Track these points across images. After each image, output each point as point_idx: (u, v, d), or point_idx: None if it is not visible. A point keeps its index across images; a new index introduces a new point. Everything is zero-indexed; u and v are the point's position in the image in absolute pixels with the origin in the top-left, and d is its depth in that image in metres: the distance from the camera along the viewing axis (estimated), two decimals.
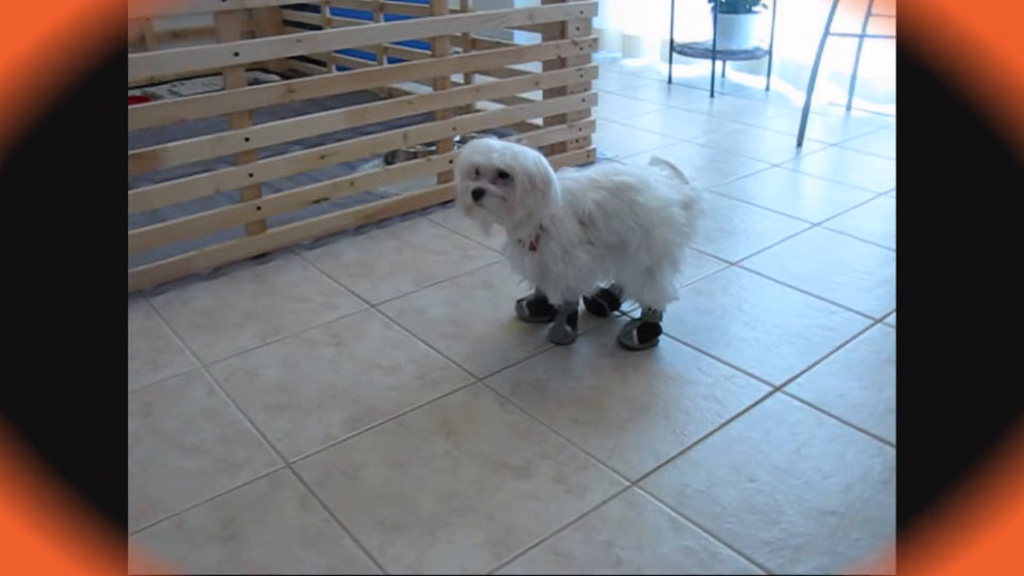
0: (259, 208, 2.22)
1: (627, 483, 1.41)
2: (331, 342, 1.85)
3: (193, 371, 1.76)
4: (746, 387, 1.67)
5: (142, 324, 1.94)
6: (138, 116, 1.95)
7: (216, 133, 2.09)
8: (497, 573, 1.24)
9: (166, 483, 1.43)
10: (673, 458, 1.47)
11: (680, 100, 3.87)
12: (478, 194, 1.63)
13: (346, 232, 2.42)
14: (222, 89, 2.09)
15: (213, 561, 1.27)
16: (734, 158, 3.02)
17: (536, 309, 1.93)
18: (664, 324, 1.85)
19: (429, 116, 2.54)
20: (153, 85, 4.04)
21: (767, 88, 4.05)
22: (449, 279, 2.13)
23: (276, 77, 4.01)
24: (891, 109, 3.60)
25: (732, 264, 2.19)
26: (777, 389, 1.66)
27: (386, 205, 2.48)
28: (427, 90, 2.52)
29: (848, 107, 3.64)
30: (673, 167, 1.83)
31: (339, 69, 3.95)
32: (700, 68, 4.42)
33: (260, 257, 2.27)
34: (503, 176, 1.63)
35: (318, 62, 4.16)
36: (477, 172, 1.66)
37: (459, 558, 1.27)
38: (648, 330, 1.82)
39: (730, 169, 2.90)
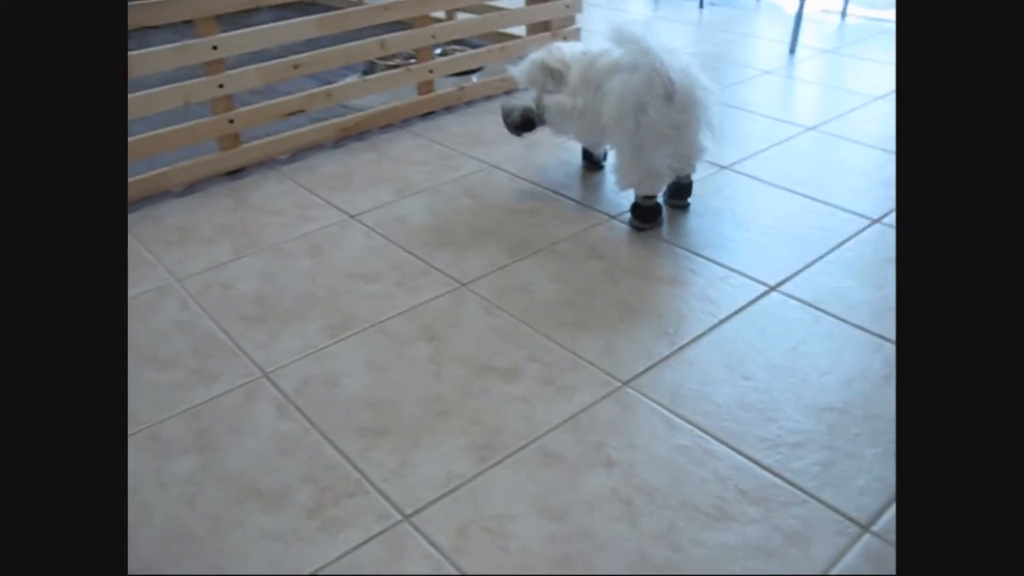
0: (231, 121, 2.13)
1: (618, 383, 1.36)
2: (309, 253, 1.78)
3: (166, 286, 1.69)
4: (740, 287, 1.61)
5: None
6: None
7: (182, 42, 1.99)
8: (484, 475, 1.19)
9: (139, 396, 1.38)
10: (666, 358, 1.42)
11: (668, 11, 3.74)
12: None
13: (324, 146, 2.33)
14: None
15: (188, 471, 1.22)
16: (725, 66, 2.92)
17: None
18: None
19: (404, 26, 2.43)
20: None
21: None
22: (431, 188, 2.05)
23: None
24: (888, 15, 3.48)
25: (724, 168, 2.11)
26: (772, 289, 1.60)
27: (364, 117, 2.39)
28: None
29: (843, 14, 3.53)
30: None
31: None
32: None
33: (235, 173, 2.18)
34: None
35: None
36: None
37: (443, 462, 1.21)
38: (634, 211, 1.85)
39: (721, 77, 2.80)
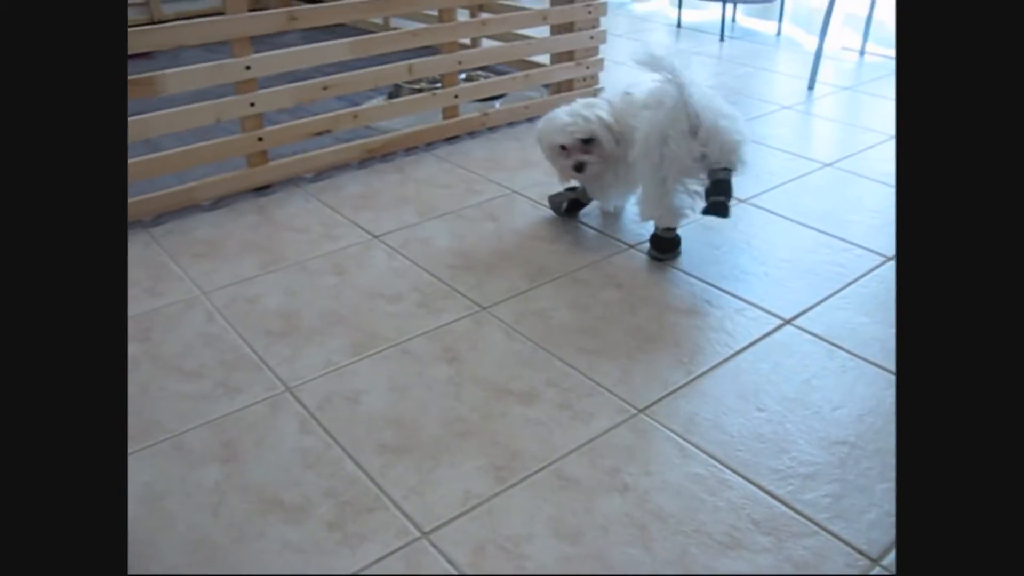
0: (260, 139, 2.18)
1: (634, 410, 1.39)
2: (333, 271, 1.82)
3: (192, 298, 1.72)
4: (756, 319, 1.63)
5: (141, 253, 1.90)
6: (136, 40, 1.90)
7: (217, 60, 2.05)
8: (501, 496, 1.21)
9: (165, 406, 1.41)
10: (681, 387, 1.44)
11: (689, 44, 3.79)
12: (579, 167, 1.87)
13: (349, 166, 2.37)
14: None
15: (212, 480, 1.25)
16: (744, 100, 2.96)
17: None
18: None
19: (433, 51, 2.48)
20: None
21: (778, 33, 3.97)
22: (454, 211, 2.09)
23: None
24: None
25: (742, 201, 2.14)
26: (787, 322, 1.63)
27: (390, 139, 2.43)
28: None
29: (862, 52, 3.57)
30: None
31: None
32: (710, 13, 4.33)
33: (262, 189, 2.23)
34: (588, 142, 1.85)
35: None
36: (563, 148, 1.87)
37: (462, 481, 1.24)
38: (654, 241, 1.88)
39: (740, 110, 2.83)
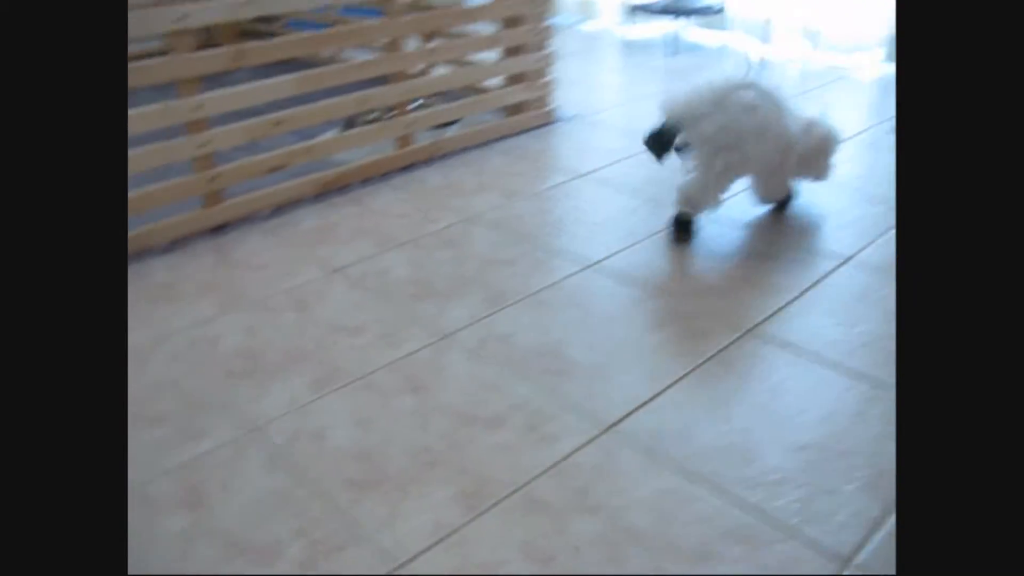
0: (213, 179, 2.16)
1: (601, 429, 1.39)
2: (293, 308, 1.80)
3: (151, 343, 1.70)
4: (720, 330, 1.65)
5: None
6: None
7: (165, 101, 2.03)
8: (472, 524, 1.21)
9: (129, 454, 1.39)
10: (647, 401, 1.45)
11: (639, 59, 3.83)
12: None
13: (305, 200, 2.36)
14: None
15: (178, 528, 1.23)
16: None
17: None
18: (632, 272, 1.84)
19: (382, 81, 2.49)
20: None
21: (724, 44, 4.02)
22: (412, 241, 2.09)
23: None
24: (848, 61, 3.58)
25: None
26: (750, 330, 1.64)
27: (345, 171, 2.43)
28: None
29: (807, 60, 3.63)
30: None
31: None
32: (658, 29, 4.37)
33: (219, 229, 2.21)
34: None
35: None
36: None
37: (432, 512, 1.24)
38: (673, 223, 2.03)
39: None
